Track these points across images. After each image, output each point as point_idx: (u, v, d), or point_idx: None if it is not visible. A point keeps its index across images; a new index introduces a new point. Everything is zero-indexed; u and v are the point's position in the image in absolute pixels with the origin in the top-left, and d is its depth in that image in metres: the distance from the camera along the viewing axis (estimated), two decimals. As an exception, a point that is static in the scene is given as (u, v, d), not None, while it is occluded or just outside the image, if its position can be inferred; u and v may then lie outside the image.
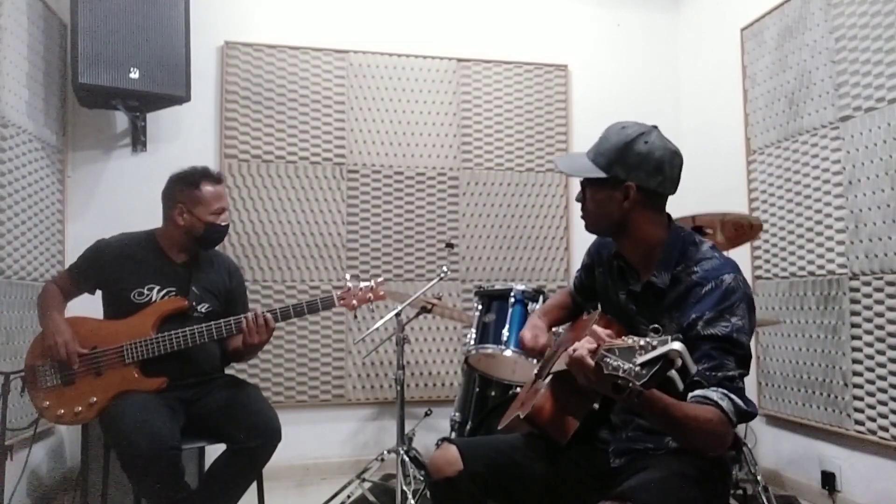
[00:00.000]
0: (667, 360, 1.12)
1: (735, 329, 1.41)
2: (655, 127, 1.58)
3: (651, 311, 1.56)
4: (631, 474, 1.49)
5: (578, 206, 1.67)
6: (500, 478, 1.61)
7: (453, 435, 2.97)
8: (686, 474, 1.45)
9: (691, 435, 1.35)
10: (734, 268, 1.50)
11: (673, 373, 1.12)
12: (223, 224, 2.40)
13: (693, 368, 1.15)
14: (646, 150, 1.52)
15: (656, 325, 1.18)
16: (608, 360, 1.19)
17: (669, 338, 1.13)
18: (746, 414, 1.38)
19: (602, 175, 1.55)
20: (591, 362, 1.22)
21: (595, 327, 1.31)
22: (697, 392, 1.37)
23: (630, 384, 1.14)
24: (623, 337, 1.22)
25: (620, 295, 1.66)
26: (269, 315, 2.29)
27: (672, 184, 1.55)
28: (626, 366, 1.15)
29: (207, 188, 2.38)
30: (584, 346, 1.25)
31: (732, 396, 1.36)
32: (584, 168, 1.58)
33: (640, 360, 1.14)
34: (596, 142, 1.61)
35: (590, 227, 1.67)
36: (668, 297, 1.53)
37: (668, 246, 1.56)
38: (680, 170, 1.56)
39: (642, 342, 1.16)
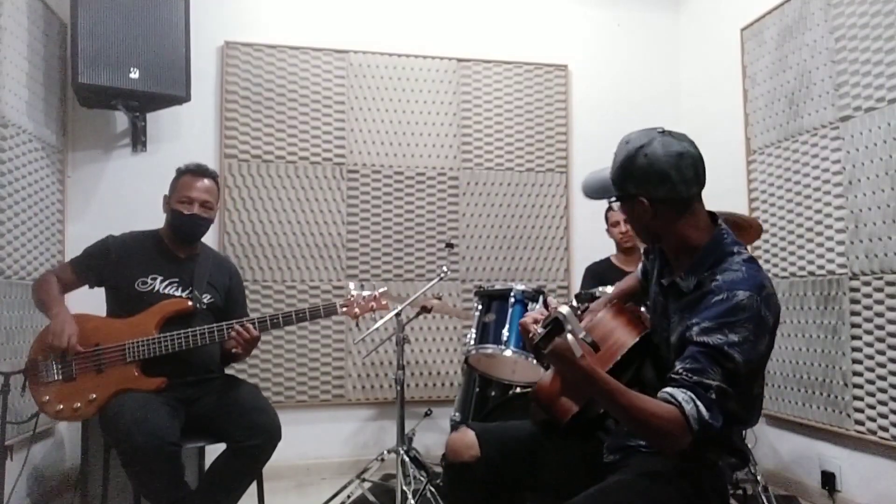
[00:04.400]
0: (556, 320, 1.40)
1: (728, 343, 1.36)
2: (661, 132, 1.53)
3: (675, 308, 1.57)
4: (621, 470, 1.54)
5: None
6: (512, 466, 1.65)
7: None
8: (660, 473, 1.47)
9: (637, 425, 1.37)
10: (755, 286, 1.42)
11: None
12: (187, 213, 2.38)
13: (580, 332, 1.38)
14: (646, 164, 1.48)
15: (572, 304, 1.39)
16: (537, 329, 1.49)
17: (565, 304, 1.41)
18: (708, 425, 1.33)
19: (616, 194, 1.57)
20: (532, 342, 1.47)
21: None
22: (666, 389, 1.37)
23: (535, 342, 1.44)
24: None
25: (654, 287, 1.68)
26: (249, 325, 2.31)
27: (686, 184, 1.49)
28: (538, 330, 1.46)
29: (185, 178, 2.43)
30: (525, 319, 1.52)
31: (699, 403, 1.32)
32: (605, 189, 1.60)
33: (542, 323, 1.47)
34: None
35: (636, 237, 1.75)
36: (686, 298, 1.53)
37: (705, 251, 1.53)
38: (693, 168, 1.50)
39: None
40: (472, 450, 1.65)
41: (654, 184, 1.49)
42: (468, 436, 1.68)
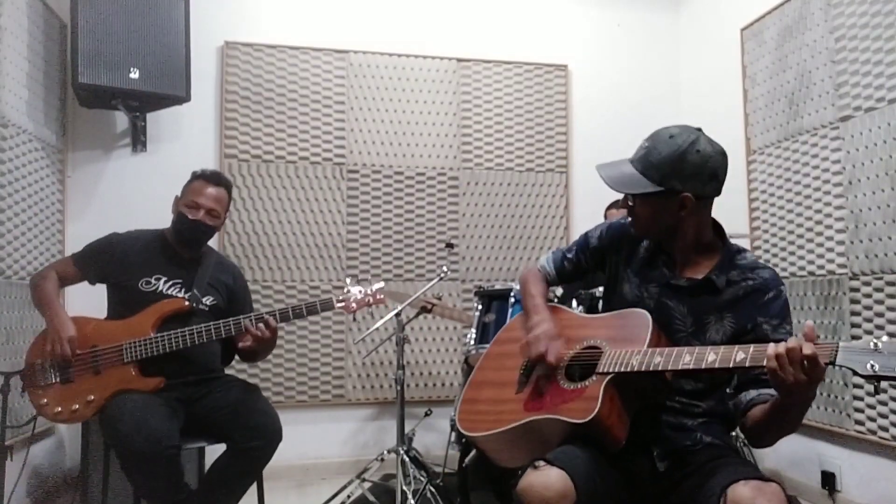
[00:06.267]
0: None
1: (791, 334, 1.50)
2: (699, 130, 1.57)
3: (694, 307, 1.58)
4: (685, 474, 1.50)
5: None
6: (607, 495, 1.45)
7: (453, 435, 2.96)
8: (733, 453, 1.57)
9: (797, 424, 1.46)
10: (781, 280, 1.60)
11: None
12: (191, 218, 2.36)
13: None
14: (700, 161, 1.51)
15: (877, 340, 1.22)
16: (873, 362, 1.21)
17: None
18: None
19: (658, 189, 1.54)
20: (822, 363, 1.26)
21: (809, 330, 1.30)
22: (767, 390, 1.47)
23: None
24: (829, 341, 1.28)
25: (650, 288, 1.64)
26: (267, 316, 2.28)
27: (722, 185, 1.58)
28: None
29: (197, 182, 2.42)
30: (809, 346, 1.26)
31: None
32: (636, 182, 1.56)
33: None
34: (641, 151, 1.58)
35: (640, 233, 1.68)
36: (722, 297, 1.57)
37: (728, 249, 1.62)
38: (727, 168, 1.58)
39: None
40: (567, 499, 1.35)
41: (704, 181, 1.54)
42: (554, 478, 1.36)
